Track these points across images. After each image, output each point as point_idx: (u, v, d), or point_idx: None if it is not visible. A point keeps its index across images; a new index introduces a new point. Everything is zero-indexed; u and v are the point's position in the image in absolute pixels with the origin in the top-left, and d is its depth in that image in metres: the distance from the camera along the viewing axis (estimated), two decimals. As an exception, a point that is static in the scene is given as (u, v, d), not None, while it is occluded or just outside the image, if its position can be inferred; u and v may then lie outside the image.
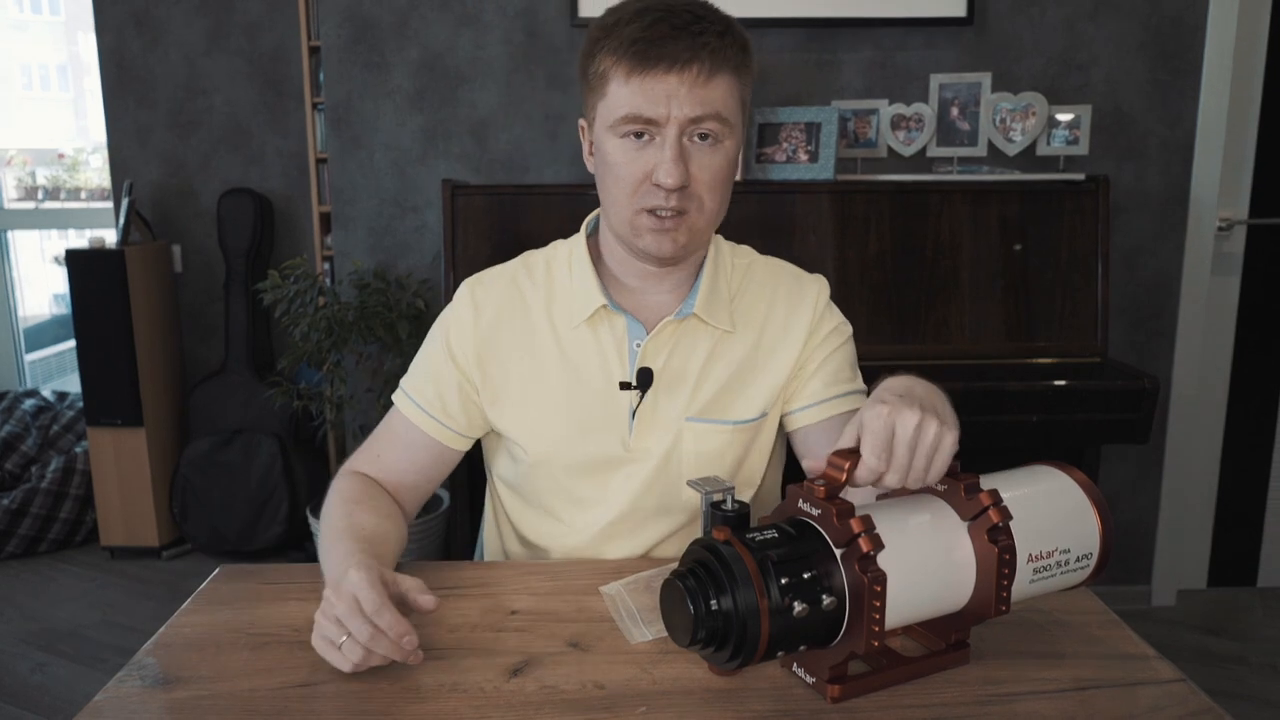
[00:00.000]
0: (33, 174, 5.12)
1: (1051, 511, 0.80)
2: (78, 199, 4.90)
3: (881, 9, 2.31)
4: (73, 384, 3.45)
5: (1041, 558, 0.77)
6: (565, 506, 1.08)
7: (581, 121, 1.03)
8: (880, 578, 0.70)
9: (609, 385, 1.04)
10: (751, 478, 1.11)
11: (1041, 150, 2.31)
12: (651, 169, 0.93)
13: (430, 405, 1.07)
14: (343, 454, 2.98)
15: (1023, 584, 0.77)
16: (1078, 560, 0.79)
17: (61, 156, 5.54)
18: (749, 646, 0.69)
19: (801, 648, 0.72)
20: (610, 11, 0.96)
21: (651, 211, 0.95)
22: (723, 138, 0.95)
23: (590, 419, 1.05)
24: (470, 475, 2.07)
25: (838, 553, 0.71)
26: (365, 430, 2.59)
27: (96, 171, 5.25)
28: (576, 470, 1.06)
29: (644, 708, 0.74)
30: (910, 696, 0.76)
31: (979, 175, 2.26)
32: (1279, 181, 2.51)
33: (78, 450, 3.17)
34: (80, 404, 3.37)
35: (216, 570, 1.01)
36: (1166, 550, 2.62)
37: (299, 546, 2.98)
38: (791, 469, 1.17)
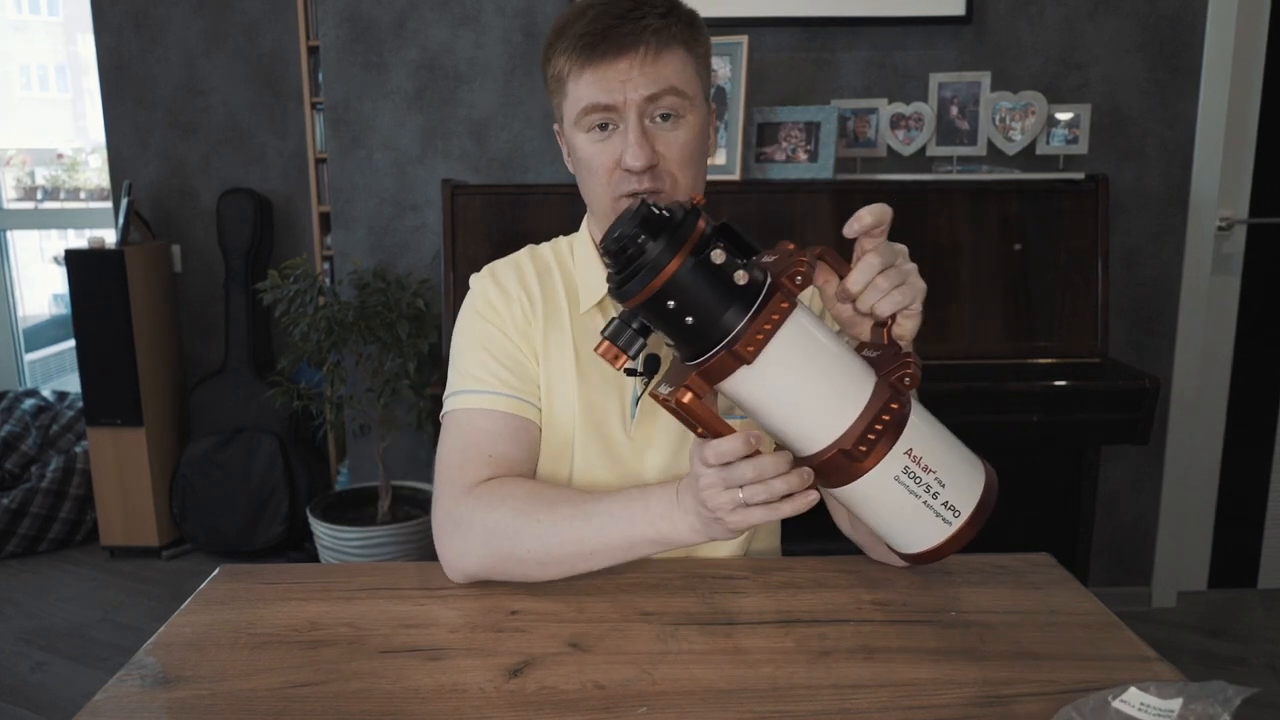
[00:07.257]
0: (32, 174, 5.12)
1: (951, 447, 0.78)
2: (77, 199, 4.91)
3: (880, 8, 2.31)
4: (72, 384, 3.45)
5: (917, 464, 0.75)
6: None
7: (556, 126, 1.05)
8: (792, 301, 0.72)
9: (616, 370, 1.04)
10: None
11: (1041, 149, 2.31)
12: (620, 155, 0.95)
13: (509, 387, 1.03)
14: (343, 454, 2.98)
15: (887, 470, 0.74)
16: (944, 506, 0.76)
17: (61, 157, 5.54)
18: (666, 248, 0.70)
19: (688, 319, 0.71)
20: (560, 17, 0.99)
21: (630, 196, 0.97)
22: (684, 113, 0.96)
23: (596, 404, 1.05)
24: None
25: (770, 259, 0.74)
26: (365, 430, 2.61)
27: (96, 172, 5.25)
28: (586, 460, 1.05)
29: (644, 708, 0.74)
30: (910, 697, 0.76)
31: (978, 175, 2.26)
32: (1278, 180, 2.51)
33: (78, 450, 3.17)
34: (80, 404, 3.36)
35: (216, 570, 1.01)
36: (1167, 551, 2.62)
37: (299, 546, 2.98)
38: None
